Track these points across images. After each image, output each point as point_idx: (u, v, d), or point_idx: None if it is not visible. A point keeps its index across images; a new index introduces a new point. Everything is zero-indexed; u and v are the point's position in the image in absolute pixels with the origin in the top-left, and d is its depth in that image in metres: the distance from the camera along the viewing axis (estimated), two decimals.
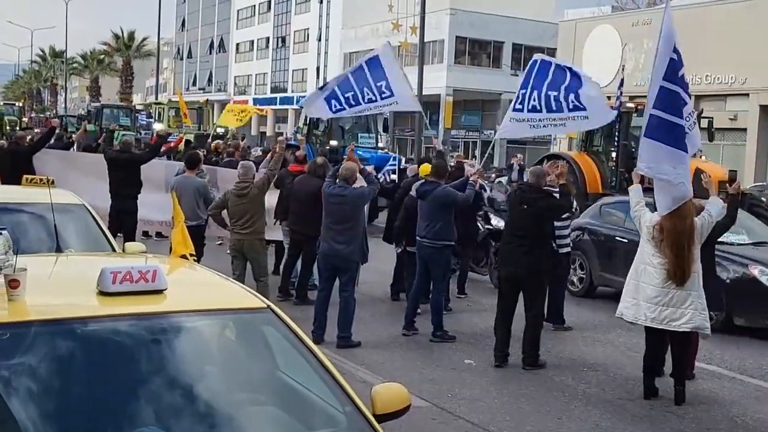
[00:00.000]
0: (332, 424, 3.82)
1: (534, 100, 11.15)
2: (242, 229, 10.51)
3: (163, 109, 44.57)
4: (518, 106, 11.38)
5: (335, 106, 13.43)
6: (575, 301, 12.70)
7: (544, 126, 11.57)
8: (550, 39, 54.70)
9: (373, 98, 13.08)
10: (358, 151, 17.71)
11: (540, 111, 11.19)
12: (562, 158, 18.93)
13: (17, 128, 44.26)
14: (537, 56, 11.65)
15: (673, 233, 7.95)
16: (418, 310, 10.99)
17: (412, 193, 11.62)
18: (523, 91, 11.27)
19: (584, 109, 11.03)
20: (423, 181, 10.92)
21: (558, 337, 10.87)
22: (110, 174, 12.94)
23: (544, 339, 9.80)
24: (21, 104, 65.64)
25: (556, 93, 10.99)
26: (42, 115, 56.82)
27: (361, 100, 13.17)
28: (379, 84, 12.95)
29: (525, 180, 10.02)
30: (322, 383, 3.87)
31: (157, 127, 33.00)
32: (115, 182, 12.86)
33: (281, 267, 13.04)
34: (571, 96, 10.92)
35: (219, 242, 15.21)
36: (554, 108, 11.06)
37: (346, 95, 13.15)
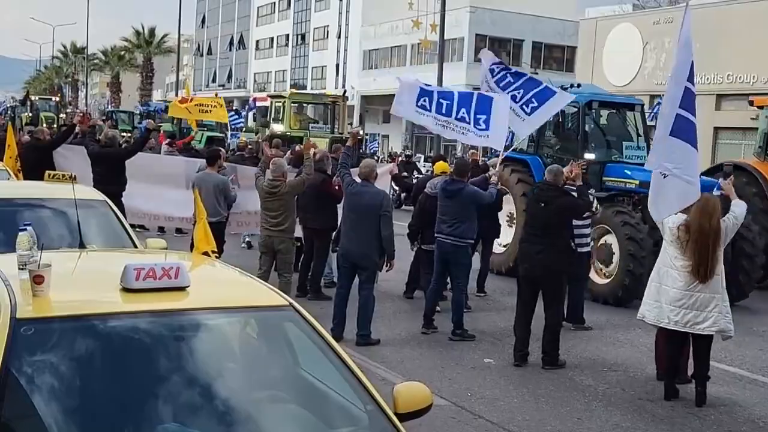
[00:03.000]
0: (354, 422, 3.82)
1: (446, 108, 11.61)
2: (273, 226, 10.51)
3: (283, 104, 28.89)
4: (427, 107, 11.68)
5: (421, 102, 11.97)
6: (594, 301, 12.64)
7: (446, 128, 11.72)
8: (570, 37, 54.57)
9: (467, 120, 11.73)
10: (624, 170, 14.06)
11: (446, 115, 11.62)
12: (743, 168, 15.27)
13: (54, 125, 39.35)
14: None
15: (699, 233, 7.91)
16: (438, 308, 10.98)
17: (428, 191, 11.60)
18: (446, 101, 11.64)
19: (487, 129, 11.39)
20: (446, 179, 10.86)
21: (578, 337, 10.82)
22: (93, 169, 12.55)
23: (564, 339, 9.76)
24: (58, 99, 62.86)
25: (465, 109, 11.52)
26: (78, 111, 55.17)
27: (452, 112, 11.82)
28: (478, 117, 11.72)
29: (542, 179, 9.95)
30: (344, 381, 3.86)
31: (278, 128, 25.44)
32: (97, 178, 12.28)
33: (299, 264, 13.06)
34: (482, 118, 11.37)
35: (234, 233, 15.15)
36: (463, 119, 11.51)
37: (440, 101, 11.86)
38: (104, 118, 51.25)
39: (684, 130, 8.12)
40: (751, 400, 8.70)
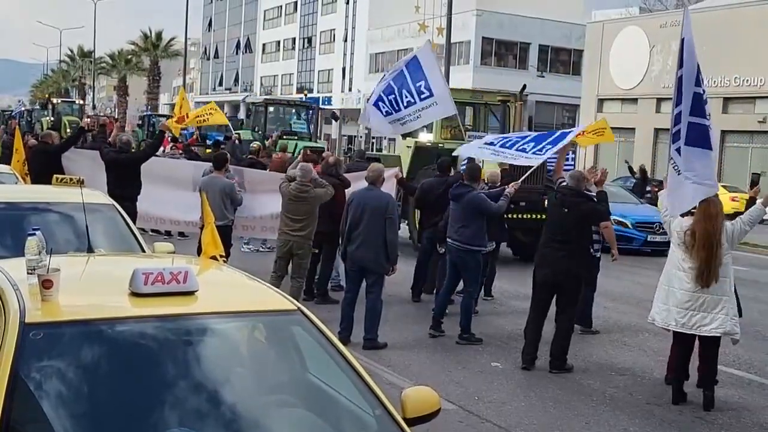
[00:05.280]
0: (362, 427, 3.81)
1: (395, 102, 12.45)
2: (294, 231, 10.52)
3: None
4: (387, 109, 12.63)
5: (383, 108, 12.94)
6: (603, 305, 12.61)
7: (405, 123, 12.79)
8: (577, 40, 54.55)
9: (412, 100, 12.66)
10: None
11: (399, 110, 12.52)
12: None
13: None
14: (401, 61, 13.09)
15: (705, 235, 7.91)
16: (446, 311, 10.96)
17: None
18: (391, 96, 12.40)
19: (431, 95, 12.43)
20: (456, 184, 10.86)
21: (585, 341, 10.80)
22: (107, 174, 12.49)
23: (572, 342, 9.71)
24: (81, 102, 60.08)
25: (408, 88, 12.34)
26: (102, 116, 52.95)
27: (401, 104, 12.74)
28: (418, 84, 12.59)
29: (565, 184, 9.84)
30: (352, 386, 3.86)
31: (424, 137, 18.52)
32: (111, 182, 12.27)
33: None
34: (421, 84, 12.22)
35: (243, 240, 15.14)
36: (410, 101, 12.38)
37: (389, 97, 12.73)
38: (140, 123, 48.90)
39: (697, 137, 8.13)
40: (760, 404, 8.68)
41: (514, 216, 15.08)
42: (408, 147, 17.07)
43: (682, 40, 8.23)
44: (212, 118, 20.67)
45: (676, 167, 8.28)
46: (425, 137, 18.48)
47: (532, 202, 15.54)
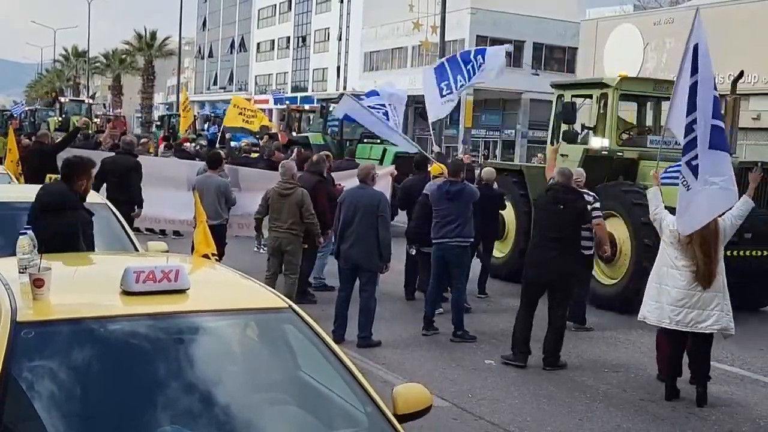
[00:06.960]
0: (353, 424, 3.83)
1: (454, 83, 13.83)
2: (281, 229, 10.58)
3: (605, 99, 14.16)
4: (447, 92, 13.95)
5: (444, 89, 13.92)
6: (596, 302, 12.63)
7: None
8: (571, 38, 54.55)
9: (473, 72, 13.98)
10: None
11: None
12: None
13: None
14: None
15: (701, 236, 7.91)
16: (440, 310, 10.97)
17: (427, 192, 11.53)
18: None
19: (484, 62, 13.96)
20: (445, 181, 10.81)
21: (579, 338, 10.82)
22: (105, 182, 12.13)
23: (565, 339, 9.72)
24: (90, 101, 56.50)
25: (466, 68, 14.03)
26: (111, 114, 50.70)
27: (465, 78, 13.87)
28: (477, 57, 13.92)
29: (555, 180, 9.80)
30: (344, 383, 3.88)
31: (596, 143, 14.02)
32: (110, 189, 12.02)
33: None
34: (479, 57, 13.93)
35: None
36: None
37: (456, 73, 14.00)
38: (158, 123, 47.45)
39: (719, 140, 7.97)
40: (753, 399, 8.71)
41: (735, 253, 11.20)
42: (563, 156, 13.30)
43: (695, 46, 8.13)
44: (256, 121, 21.44)
45: (685, 182, 7.98)
46: (597, 143, 13.98)
47: (760, 233, 11.84)
